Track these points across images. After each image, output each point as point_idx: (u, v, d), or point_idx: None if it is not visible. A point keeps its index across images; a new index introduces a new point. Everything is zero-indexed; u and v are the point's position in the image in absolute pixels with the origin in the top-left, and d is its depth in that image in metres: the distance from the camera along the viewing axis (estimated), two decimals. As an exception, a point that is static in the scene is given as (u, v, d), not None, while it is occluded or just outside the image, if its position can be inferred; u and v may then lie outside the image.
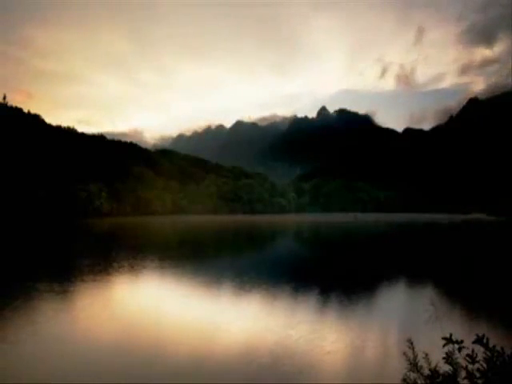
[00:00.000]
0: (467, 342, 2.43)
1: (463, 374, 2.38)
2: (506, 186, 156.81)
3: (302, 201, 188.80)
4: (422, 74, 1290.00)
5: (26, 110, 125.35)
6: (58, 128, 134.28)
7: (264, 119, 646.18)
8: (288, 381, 7.83)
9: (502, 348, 2.33)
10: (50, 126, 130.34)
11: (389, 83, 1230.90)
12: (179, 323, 11.94)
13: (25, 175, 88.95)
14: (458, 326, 11.41)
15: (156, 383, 7.72)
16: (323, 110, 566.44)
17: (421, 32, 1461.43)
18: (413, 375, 2.63)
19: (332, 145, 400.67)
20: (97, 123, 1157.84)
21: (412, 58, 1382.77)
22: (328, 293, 15.92)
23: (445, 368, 2.50)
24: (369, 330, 11.19)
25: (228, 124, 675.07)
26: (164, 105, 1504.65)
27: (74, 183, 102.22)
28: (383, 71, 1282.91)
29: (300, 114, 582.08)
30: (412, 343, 2.84)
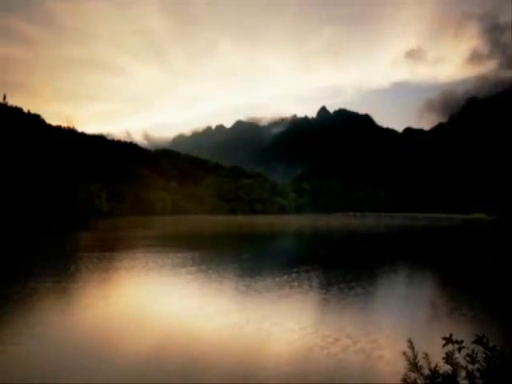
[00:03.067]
0: (467, 342, 2.42)
1: (463, 373, 2.37)
2: (506, 186, 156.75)
3: (302, 201, 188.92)
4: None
5: (26, 110, 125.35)
6: (58, 128, 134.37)
7: (264, 119, 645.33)
8: (286, 381, 7.83)
9: (502, 348, 2.33)
10: (50, 125, 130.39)
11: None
12: (176, 322, 11.93)
13: (24, 175, 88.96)
14: (458, 326, 11.42)
15: (159, 383, 7.74)
16: (323, 110, 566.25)
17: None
18: (413, 375, 2.61)
19: (332, 145, 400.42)
20: (121, 117, 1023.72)
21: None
22: (327, 291, 15.92)
23: (445, 368, 2.48)
24: (369, 329, 11.19)
25: (228, 124, 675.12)
26: (197, 97, 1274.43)
27: (74, 183, 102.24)
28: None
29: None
30: (412, 343, 2.83)
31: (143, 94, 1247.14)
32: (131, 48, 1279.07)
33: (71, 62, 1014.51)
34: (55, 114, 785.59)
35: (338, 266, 23.72)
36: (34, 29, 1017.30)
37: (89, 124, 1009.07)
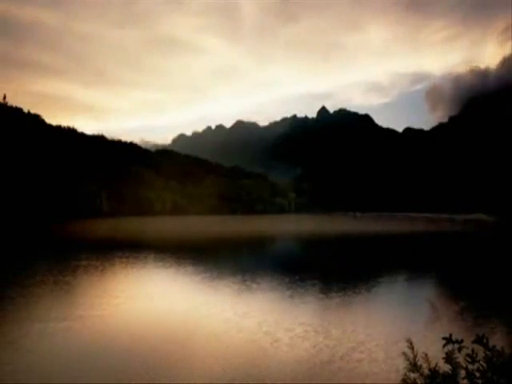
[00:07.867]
0: (467, 342, 2.41)
1: (463, 373, 2.36)
2: (506, 186, 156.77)
3: (302, 201, 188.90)
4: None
5: (26, 110, 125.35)
6: (58, 128, 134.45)
7: (264, 119, 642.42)
8: (288, 381, 7.82)
9: (502, 348, 2.33)
10: (50, 125, 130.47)
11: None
12: (171, 321, 11.92)
13: (25, 175, 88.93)
14: (458, 326, 11.40)
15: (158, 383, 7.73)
16: (323, 109, 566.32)
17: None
18: (413, 375, 2.60)
19: (332, 145, 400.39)
20: (164, 109, 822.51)
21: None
22: (328, 292, 15.90)
23: (445, 368, 2.47)
24: (369, 329, 11.17)
25: (228, 124, 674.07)
26: (267, 83, 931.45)
27: (74, 183, 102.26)
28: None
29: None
30: (412, 343, 2.82)
31: (198, 80, 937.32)
32: (194, 14, 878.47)
33: (114, 33, 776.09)
34: (86, 107, 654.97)
35: (338, 264, 23.71)
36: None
37: (125, 116, 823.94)
